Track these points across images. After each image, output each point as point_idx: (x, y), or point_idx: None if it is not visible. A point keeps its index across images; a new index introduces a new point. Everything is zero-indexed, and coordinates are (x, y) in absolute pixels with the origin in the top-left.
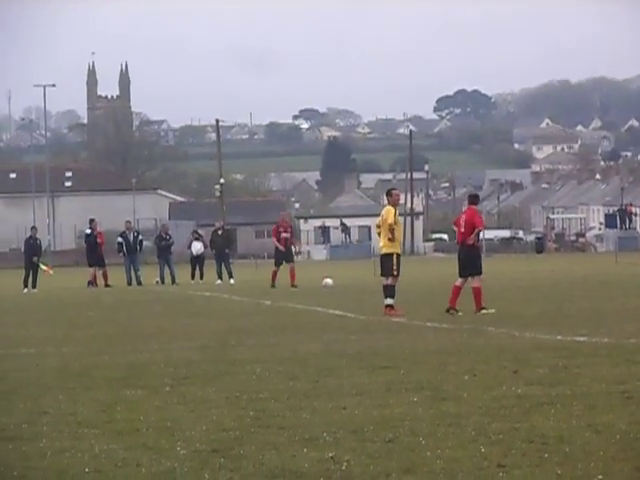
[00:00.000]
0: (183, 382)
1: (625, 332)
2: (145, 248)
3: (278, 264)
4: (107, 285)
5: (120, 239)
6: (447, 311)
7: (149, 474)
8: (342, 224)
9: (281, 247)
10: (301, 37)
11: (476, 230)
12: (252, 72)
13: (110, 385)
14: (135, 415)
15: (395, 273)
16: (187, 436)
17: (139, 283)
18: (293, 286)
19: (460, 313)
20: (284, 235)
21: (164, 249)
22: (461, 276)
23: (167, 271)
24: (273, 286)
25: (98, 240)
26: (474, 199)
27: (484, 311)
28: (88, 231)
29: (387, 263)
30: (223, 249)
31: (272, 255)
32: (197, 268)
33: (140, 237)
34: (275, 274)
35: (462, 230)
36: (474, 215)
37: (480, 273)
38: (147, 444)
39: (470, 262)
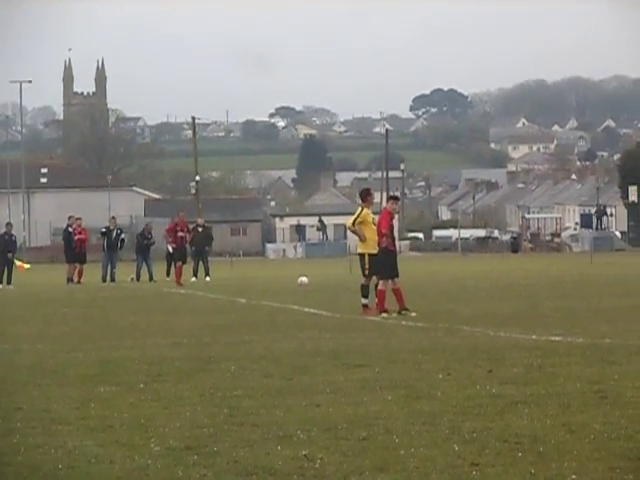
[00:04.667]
0: (157, 379)
1: (600, 332)
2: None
3: (177, 261)
4: (79, 282)
5: (104, 230)
6: (399, 313)
7: (122, 470)
8: (320, 221)
9: (174, 245)
10: (280, 35)
11: (383, 232)
12: (230, 70)
13: (84, 382)
14: (109, 412)
15: (367, 273)
16: (161, 433)
17: (112, 280)
18: (179, 284)
19: (413, 313)
20: (180, 234)
21: (144, 248)
22: (388, 277)
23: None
24: (180, 283)
25: (81, 236)
26: (389, 199)
27: (385, 314)
28: (67, 228)
29: (360, 263)
30: (203, 246)
31: (247, 253)
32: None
33: (122, 235)
34: (179, 270)
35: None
36: (382, 217)
37: (389, 277)
38: (121, 441)
39: (380, 265)
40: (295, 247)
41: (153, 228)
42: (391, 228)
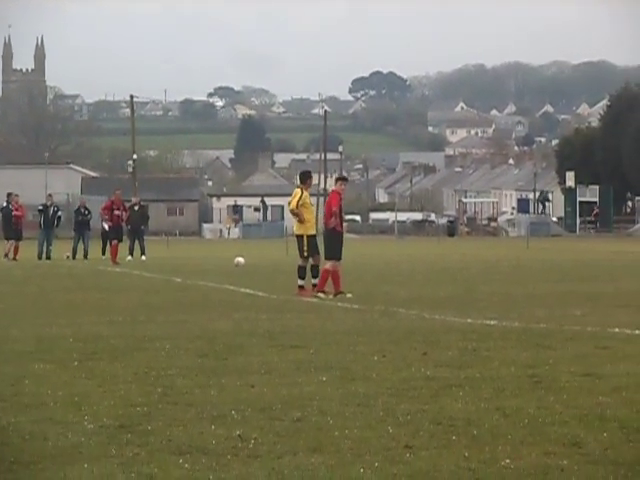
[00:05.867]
0: (92, 357)
1: (535, 317)
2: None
3: (112, 239)
4: (14, 259)
5: (40, 208)
6: (335, 295)
7: (56, 448)
8: (262, 202)
9: (110, 224)
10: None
11: (333, 210)
12: (166, 46)
13: (19, 359)
14: (43, 389)
15: (305, 254)
16: (94, 411)
17: (48, 257)
18: (114, 262)
19: (349, 295)
20: (117, 213)
21: (82, 224)
22: (333, 258)
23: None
24: (116, 262)
25: (17, 213)
26: (337, 180)
27: (321, 295)
28: (4, 204)
29: (298, 244)
30: (139, 225)
31: (183, 232)
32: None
33: (59, 213)
34: (115, 248)
35: (324, 213)
36: (331, 198)
37: (335, 258)
38: (54, 418)
39: (327, 246)
40: (229, 228)
41: (86, 202)
42: (341, 208)
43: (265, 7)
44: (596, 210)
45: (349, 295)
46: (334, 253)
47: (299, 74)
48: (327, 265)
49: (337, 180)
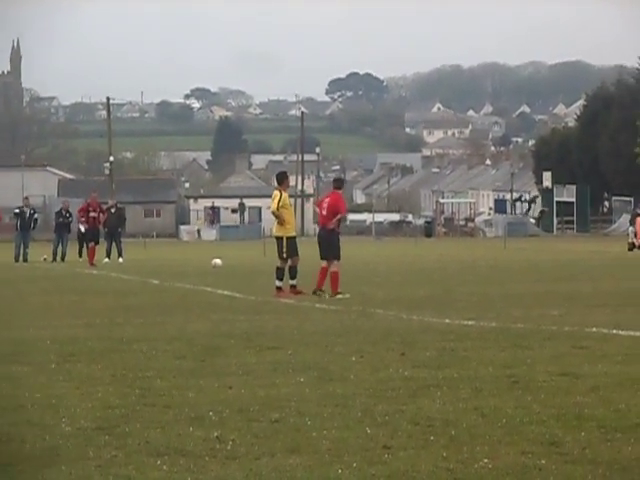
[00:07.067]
0: (69, 359)
1: (512, 317)
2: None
3: (89, 241)
4: None
5: (17, 210)
6: (314, 293)
7: (34, 450)
8: (241, 204)
9: (86, 226)
10: (202, 14)
11: (339, 216)
12: (144, 47)
13: None
14: (20, 391)
15: (284, 256)
16: (72, 413)
17: (25, 260)
18: (91, 265)
19: (326, 295)
20: (92, 215)
21: (63, 226)
22: (322, 259)
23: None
24: (93, 264)
25: None
26: (339, 183)
27: (339, 296)
28: None
29: (277, 245)
30: (116, 228)
31: (160, 234)
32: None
33: (36, 215)
34: (92, 251)
35: (324, 213)
36: (338, 200)
37: (338, 258)
38: (32, 420)
39: (329, 246)
40: (199, 230)
41: (70, 205)
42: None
43: (255, 8)
44: (542, 209)
45: (327, 295)
46: (337, 253)
47: (276, 75)
48: (334, 268)
49: (336, 182)
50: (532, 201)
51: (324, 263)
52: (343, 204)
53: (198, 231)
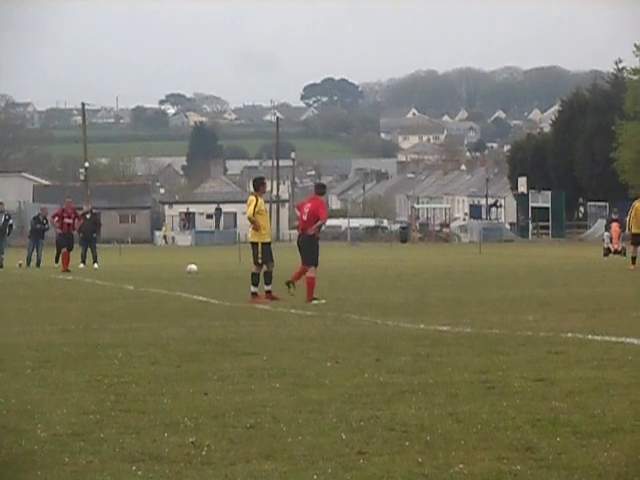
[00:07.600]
0: (44, 365)
1: (487, 322)
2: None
3: (62, 247)
4: None
5: None
6: (286, 283)
7: (9, 456)
8: (218, 209)
9: (60, 231)
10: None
11: (319, 222)
12: (119, 52)
13: None
14: None
15: (260, 261)
16: (47, 419)
17: (0, 266)
18: (66, 270)
19: (292, 291)
20: (67, 220)
21: (39, 232)
22: (314, 264)
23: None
24: (68, 270)
25: None
26: (321, 189)
27: (315, 301)
28: None
29: (252, 251)
30: (91, 233)
31: (135, 240)
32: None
33: (11, 221)
34: (66, 256)
35: (304, 218)
36: (320, 206)
37: (315, 264)
38: (7, 426)
39: (307, 252)
40: (165, 236)
41: (48, 213)
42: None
43: (229, 15)
44: (495, 200)
45: (323, 301)
46: (315, 259)
47: (251, 81)
48: (311, 273)
49: (318, 187)
50: (492, 205)
51: (308, 269)
52: (324, 211)
53: (164, 237)
